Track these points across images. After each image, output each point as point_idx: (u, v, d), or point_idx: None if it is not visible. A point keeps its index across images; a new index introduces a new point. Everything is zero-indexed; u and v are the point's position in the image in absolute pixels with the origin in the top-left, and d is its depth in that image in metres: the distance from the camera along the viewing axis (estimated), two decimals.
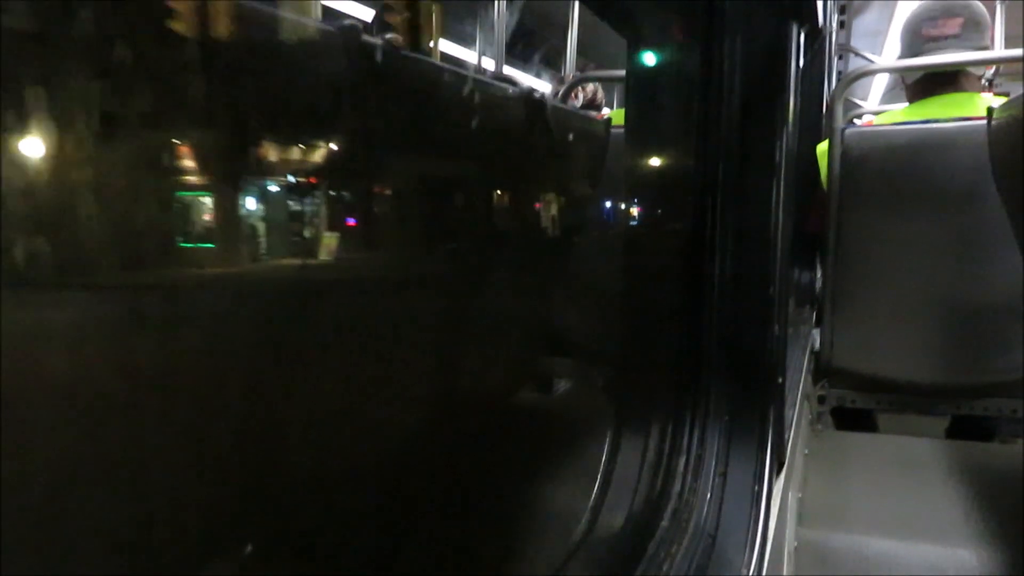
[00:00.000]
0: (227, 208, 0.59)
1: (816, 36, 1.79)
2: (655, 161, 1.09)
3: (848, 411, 2.39)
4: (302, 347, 0.67)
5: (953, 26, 2.11)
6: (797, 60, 1.03)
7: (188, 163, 0.58)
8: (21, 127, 0.44)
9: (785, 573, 1.25)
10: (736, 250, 1.00)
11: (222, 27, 0.57)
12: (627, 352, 1.11)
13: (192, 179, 0.58)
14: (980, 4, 2.16)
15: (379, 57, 0.99)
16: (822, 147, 2.24)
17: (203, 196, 0.58)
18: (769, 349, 1.01)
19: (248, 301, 0.62)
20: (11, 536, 0.49)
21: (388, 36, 1.30)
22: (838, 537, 1.58)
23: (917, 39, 2.17)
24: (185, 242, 0.57)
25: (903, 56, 2.23)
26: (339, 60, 0.88)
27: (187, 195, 0.57)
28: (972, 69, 2.16)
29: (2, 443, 0.46)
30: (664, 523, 0.93)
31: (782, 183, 0.97)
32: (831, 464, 1.95)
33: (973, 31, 2.12)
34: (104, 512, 0.58)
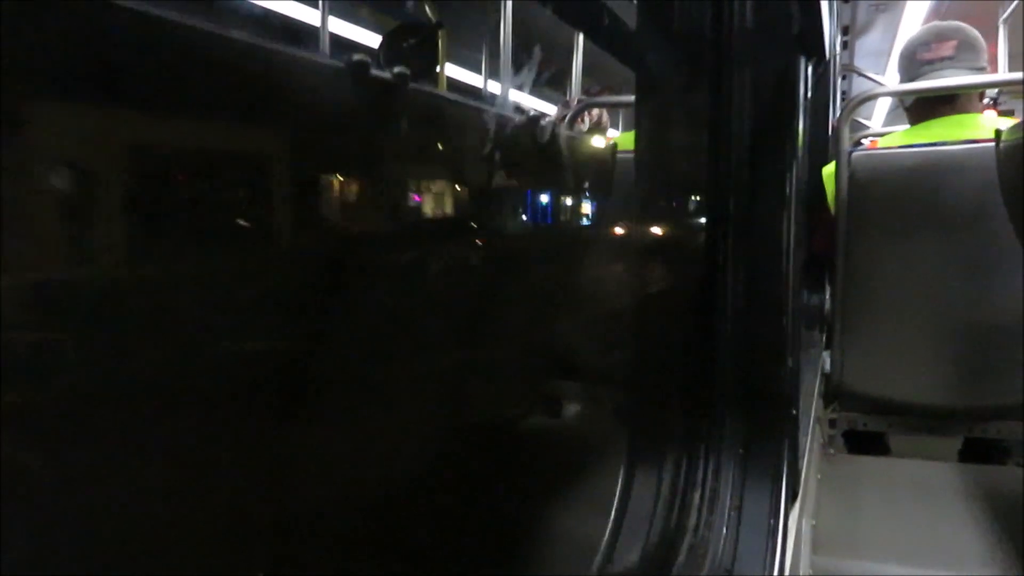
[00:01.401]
0: None
1: (822, 64, 1.80)
2: (665, 191, 1.09)
3: (860, 434, 2.37)
4: None
5: (947, 48, 2.14)
6: (805, 91, 1.03)
7: None
8: None
9: None
10: (748, 281, 1.00)
11: None
12: (640, 384, 1.10)
13: None
14: (972, 28, 2.19)
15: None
16: (828, 170, 2.25)
17: None
18: (783, 380, 1.00)
19: None
20: None
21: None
22: (853, 564, 1.56)
23: (913, 64, 2.20)
24: None
25: (902, 82, 2.26)
26: None
27: None
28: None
29: None
30: (680, 558, 0.92)
31: (793, 214, 0.97)
32: (844, 489, 1.93)
33: (967, 52, 2.15)
34: None
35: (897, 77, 2.40)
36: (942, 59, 2.15)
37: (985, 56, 2.21)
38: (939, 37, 2.19)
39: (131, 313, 0.62)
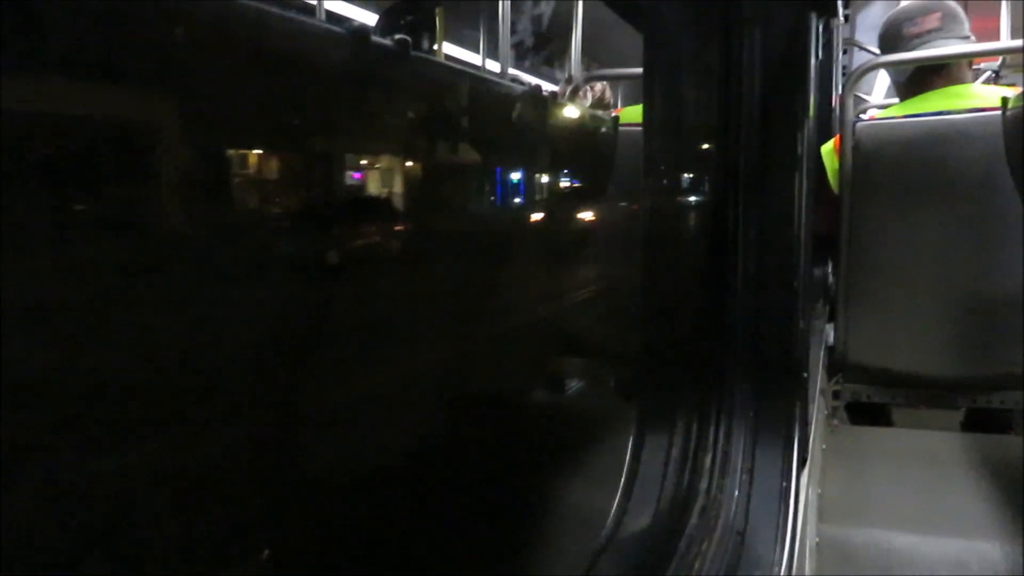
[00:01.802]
0: None
1: (833, 25, 1.79)
2: (675, 156, 1.08)
3: (863, 406, 2.38)
4: None
5: (933, 20, 2.16)
6: (816, 51, 1.02)
7: None
8: None
9: (808, 570, 1.24)
10: (759, 244, 0.99)
11: None
12: (651, 349, 1.10)
13: None
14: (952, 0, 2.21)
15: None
16: (827, 147, 2.23)
17: None
18: (794, 344, 0.99)
19: None
20: None
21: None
22: (860, 532, 1.57)
23: (901, 39, 2.21)
24: None
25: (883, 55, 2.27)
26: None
27: None
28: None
29: None
30: (693, 521, 0.92)
31: (804, 176, 0.96)
32: (848, 459, 1.94)
33: (952, 22, 2.17)
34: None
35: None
36: (930, 31, 2.17)
37: (967, 26, 2.22)
38: (923, 11, 2.21)
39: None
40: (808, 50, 0.95)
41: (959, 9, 2.20)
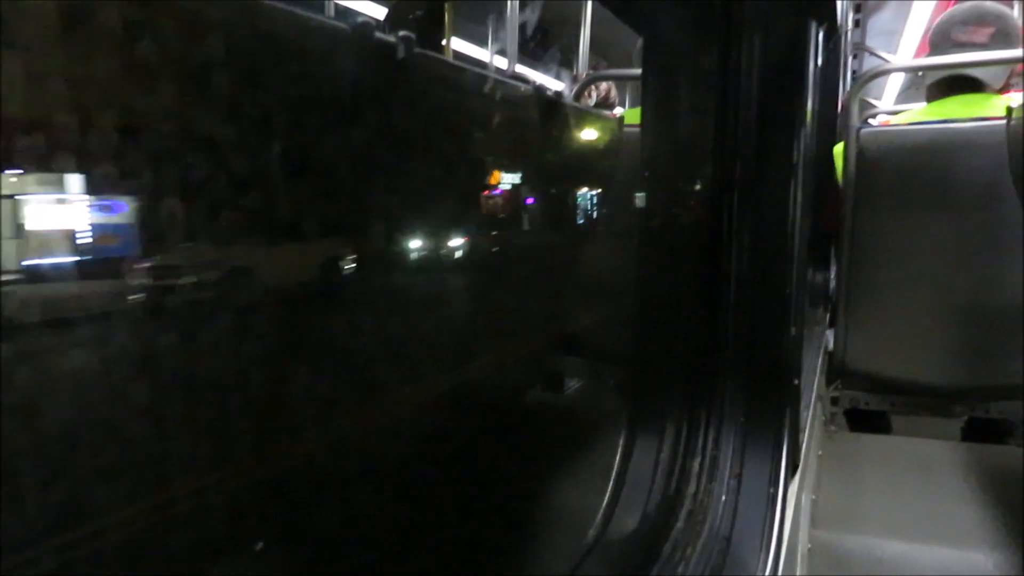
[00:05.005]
0: None
1: (833, 34, 1.78)
2: (671, 159, 1.08)
3: (862, 412, 2.37)
4: None
5: (983, 35, 2.08)
6: (816, 59, 1.02)
7: None
8: None
9: (799, 575, 1.24)
10: (753, 250, 0.99)
11: None
12: (642, 352, 1.10)
13: None
14: (1013, 14, 2.13)
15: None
16: (839, 148, 2.22)
17: None
18: (785, 350, 1.00)
19: None
20: None
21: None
22: (852, 539, 1.57)
23: (946, 41, 2.14)
24: None
25: (930, 55, 2.21)
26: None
27: None
28: (992, 78, 2.13)
29: None
30: (679, 524, 0.92)
31: (800, 183, 0.96)
32: (845, 465, 1.94)
33: (1002, 41, 2.08)
34: None
35: (908, 56, 2.36)
36: (975, 45, 2.09)
37: (1019, 45, 2.14)
38: (979, 20, 2.10)
39: None
40: (806, 58, 0.95)
41: (1016, 26, 2.10)
